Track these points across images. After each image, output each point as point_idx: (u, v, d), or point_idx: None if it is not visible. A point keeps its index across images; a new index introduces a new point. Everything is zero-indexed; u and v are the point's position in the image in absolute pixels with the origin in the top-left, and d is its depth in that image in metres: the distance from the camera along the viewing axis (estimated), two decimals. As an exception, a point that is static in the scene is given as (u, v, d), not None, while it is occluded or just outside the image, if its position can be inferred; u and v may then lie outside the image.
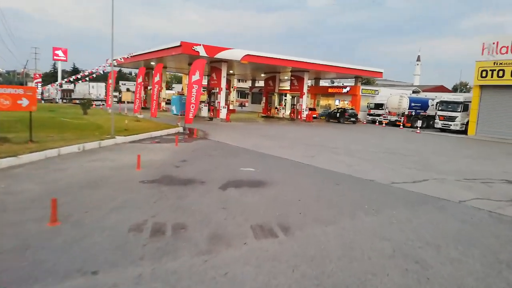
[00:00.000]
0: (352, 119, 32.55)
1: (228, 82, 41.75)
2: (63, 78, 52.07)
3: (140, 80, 25.69)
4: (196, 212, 5.78)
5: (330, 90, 40.14)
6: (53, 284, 3.50)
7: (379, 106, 34.30)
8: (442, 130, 27.58)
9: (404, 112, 30.65)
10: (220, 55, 25.06)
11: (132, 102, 37.85)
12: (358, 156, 12.79)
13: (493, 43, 23.25)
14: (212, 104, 28.97)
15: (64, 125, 16.28)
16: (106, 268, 3.84)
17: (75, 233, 4.74)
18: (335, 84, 46.01)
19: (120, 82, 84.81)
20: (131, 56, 32.06)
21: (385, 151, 14.51)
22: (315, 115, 35.22)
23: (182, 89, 50.53)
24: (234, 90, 47.58)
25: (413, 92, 39.98)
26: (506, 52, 22.62)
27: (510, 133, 22.50)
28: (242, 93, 71.46)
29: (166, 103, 40.92)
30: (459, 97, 28.43)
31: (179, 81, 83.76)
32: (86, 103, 24.08)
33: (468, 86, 67.11)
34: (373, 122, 34.22)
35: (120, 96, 61.50)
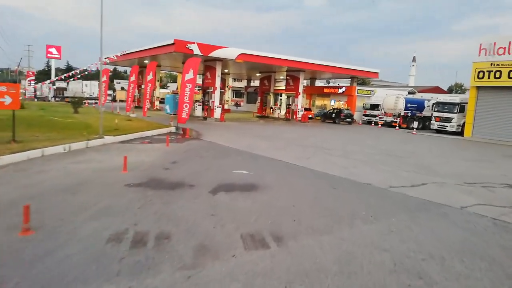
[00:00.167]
0: (347, 119, 32.27)
1: (223, 81, 41.34)
2: (56, 76, 51.38)
3: (133, 78, 25.19)
4: (182, 219, 5.39)
5: (325, 90, 39.86)
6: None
7: (374, 106, 34.06)
8: (438, 131, 27.36)
9: (400, 113, 30.42)
10: (215, 54, 24.63)
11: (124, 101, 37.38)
12: (354, 158, 12.45)
13: (490, 44, 23.01)
14: (206, 103, 28.52)
15: (52, 124, 15.79)
16: None
17: (47, 244, 4.33)
18: (331, 84, 45.72)
19: (115, 81, 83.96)
20: (124, 54, 31.51)
21: (381, 153, 14.18)
22: (310, 115, 34.93)
23: (177, 88, 50.03)
24: (229, 89, 47.18)
25: (409, 93, 39.83)
26: (504, 53, 22.40)
27: (507, 135, 22.29)
28: (237, 93, 70.94)
29: (160, 102, 40.40)
30: (455, 98, 28.24)
31: (175, 80, 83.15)
32: (76, 102, 23.53)
33: (463, 87, 67.21)
34: (369, 122, 33.97)
35: (114, 94, 60.85)
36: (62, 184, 7.03)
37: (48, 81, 31.44)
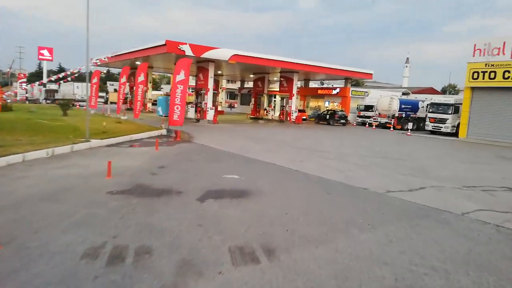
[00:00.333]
0: (342, 121, 32.02)
1: (216, 82, 40.96)
2: (48, 78, 50.62)
3: (123, 79, 24.70)
4: (166, 231, 4.99)
5: (319, 92, 39.59)
6: None
7: (369, 108, 33.85)
8: (432, 132, 27.18)
9: (394, 114, 30.22)
10: (207, 55, 24.24)
11: (123, 103, 36.74)
12: (349, 160, 12.12)
13: (485, 44, 22.88)
14: (199, 105, 28.10)
15: (38, 127, 15.29)
16: (39, 314, 3.04)
17: (14, 262, 3.91)
18: (325, 85, 45.45)
19: (108, 83, 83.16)
20: (115, 55, 30.98)
21: (377, 155, 13.88)
22: (304, 117, 34.64)
23: (171, 90, 49.49)
24: (222, 91, 46.79)
25: (403, 94, 39.70)
26: (498, 54, 22.26)
27: (502, 136, 22.15)
28: (231, 94, 70.56)
29: (153, 104, 39.89)
30: (449, 99, 28.09)
31: (169, 81, 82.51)
32: (65, 104, 22.99)
33: (456, 88, 67.40)
34: (363, 124, 33.75)
35: (107, 96, 60.20)
36: (41, 191, 6.61)
37: (37, 83, 30.73)
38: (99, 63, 30.95)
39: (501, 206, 7.31)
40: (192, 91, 39.95)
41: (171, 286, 3.56)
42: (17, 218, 5.19)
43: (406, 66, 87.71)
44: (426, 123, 27.99)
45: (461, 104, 25.20)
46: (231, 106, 60.81)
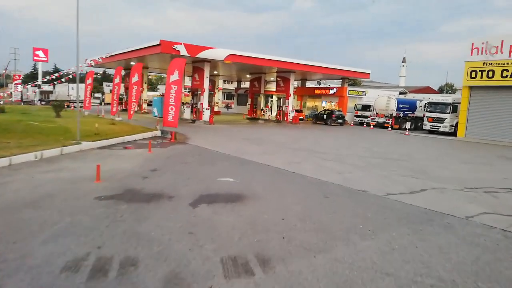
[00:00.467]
0: (339, 121, 31.75)
1: (213, 83, 40.61)
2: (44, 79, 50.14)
3: (117, 80, 24.33)
4: (155, 240, 4.68)
5: (316, 91, 39.34)
6: None
7: (366, 107, 33.61)
8: (430, 132, 26.97)
9: (392, 114, 29.99)
10: (202, 55, 23.90)
11: (119, 104, 36.31)
12: (347, 161, 11.84)
13: (483, 43, 22.68)
14: (194, 105, 27.76)
15: (29, 129, 14.91)
16: None
17: (-14, 277, 3.60)
18: (322, 85, 45.20)
19: (104, 84, 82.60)
20: (110, 56, 30.62)
21: (375, 156, 13.61)
22: (301, 117, 34.34)
23: (165, 91, 49.07)
24: (219, 91, 46.45)
25: (401, 93, 39.52)
26: (496, 53, 22.06)
27: (500, 135, 21.95)
28: (228, 95, 70.23)
29: (148, 105, 39.48)
30: (447, 98, 27.87)
31: (165, 82, 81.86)
32: (58, 105, 22.58)
33: (454, 87, 67.32)
34: (361, 123, 33.50)
35: (103, 98, 59.69)
36: (25, 197, 6.28)
37: (30, 84, 30.32)
38: (93, 64, 30.56)
39: (505, 208, 7.04)
40: (188, 92, 39.63)
41: (156, 304, 3.26)
42: (-4, 227, 4.88)
43: (403, 66, 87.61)
44: (424, 122, 27.77)
45: (459, 103, 24.99)
46: (228, 106, 60.47)
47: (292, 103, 32.22)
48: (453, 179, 9.75)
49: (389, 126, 29.63)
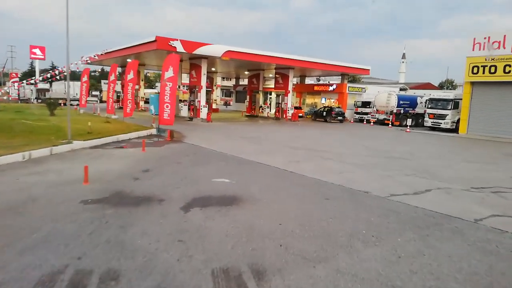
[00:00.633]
0: (339, 118, 31.37)
1: (211, 80, 40.20)
2: (41, 77, 49.63)
3: (112, 77, 23.87)
4: (140, 249, 4.31)
5: (316, 88, 38.91)
6: None
7: (366, 104, 33.22)
8: (432, 128, 26.60)
9: (393, 110, 29.61)
10: (199, 51, 23.47)
11: (115, 101, 35.87)
12: (348, 160, 11.46)
13: (485, 38, 22.29)
14: (192, 103, 27.34)
15: (20, 128, 14.51)
16: None
17: None
18: (321, 82, 44.75)
19: (102, 82, 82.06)
20: (106, 53, 30.15)
21: (377, 154, 13.23)
22: (301, 114, 33.94)
23: (160, 88, 48.62)
24: (217, 88, 45.99)
25: (401, 89, 39.09)
26: (498, 48, 21.67)
27: (502, 131, 21.60)
28: (227, 92, 69.76)
29: (145, 102, 39.07)
30: (449, 94, 27.47)
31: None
32: (52, 103, 22.15)
33: (454, 84, 66.87)
34: (361, 120, 33.12)
35: (101, 95, 59.22)
36: (7, 202, 5.90)
37: (25, 82, 29.85)
38: (89, 61, 30.12)
39: (515, 210, 6.67)
40: (186, 89, 39.21)
41: (136, 328, 2.89)
42: (-32, 236, 4.50)
43: (403, 62, 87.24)
44: (425, 119, 27.39)
45: (461, 99, 24.64)
46: (226, 103, 60.03)
47: (291, 100, 31.84)
48: (458, 179, 9.38)
49: (390, 123, 29.25)
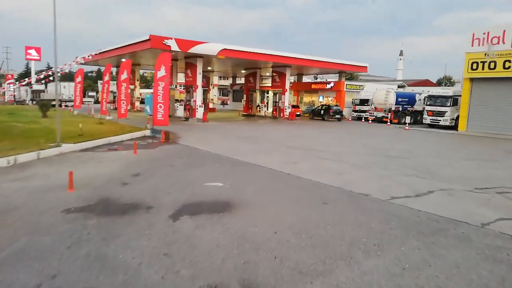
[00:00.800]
0: (337, 116, 31.02)
1: (207, 79, 39.76)
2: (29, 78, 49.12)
3: (106, 78, 23.49)
4: (122, 265, 3.95)
5: (313, 86, 38.54)
6: None
7: (364, 102, 32.88)
8: (431, 125, 26.28)
9: (391, 108, 29.26)
10: (194, 50, 23.08)
11: (111, 102, 35.48)
12: (346, 160, 11.12)
13: (484, 33, 21.96)
14: (187, 103, 26.95)
15: (10, 131, 14.12)
16: None
17: None
18: (319, 80, 44.38)
19: (99, 82, 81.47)
20: (100, 53, 29.71)
21: (376, 154, 12.90)
22: (298, 113, 33.59)
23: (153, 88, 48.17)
24: (213, 87, 45.57)
25: (399, 86, 38.82)
26: (498, 43, 21.34)
27: (502, 128, 21.29)
28: (224, 91, 69.33)
29: (141, 103, 38.67)
30: (448, 91, 27.16)
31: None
32: (44, 105, 21.71)
33: (452, 80, 66.68)
34: (359, 118, 32.79)
35: (97, 96, 58.76)
36: (-16, 211, 5.53)
37: (17, 83, 29.43)
38: (82, 62, 29.70)
39: (523, 213, 6.34)
40: (183, 89, 38.85)
41: None
42: None
43: (400, 59, 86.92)
44: (424, 116, 27.07)
45: (460, 96, 24.31)
46: (224, 103, 59.63)
47: (288, 99, 31.48)
48: (460, 178, 9.05)
49: (388, 121, 28.91)
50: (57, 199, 6.24)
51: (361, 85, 37.04)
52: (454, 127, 24.55)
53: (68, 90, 47.59)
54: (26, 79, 34.58)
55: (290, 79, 32.83)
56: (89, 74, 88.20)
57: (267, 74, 36.25)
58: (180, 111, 27.77)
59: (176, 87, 30.00)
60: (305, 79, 43.09)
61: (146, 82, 76.98)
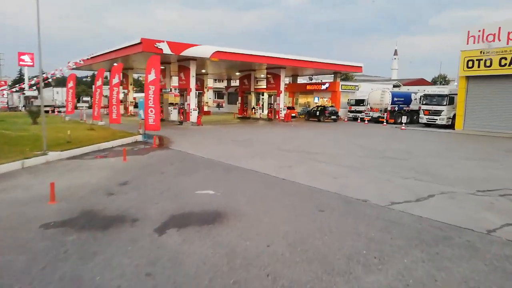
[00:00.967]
0: (332, 117, 30.77)
1: (201, 82, 39.44)
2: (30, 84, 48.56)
3: (99, 83, 23.06)
4: (99, 288, 3.59)
5: (308, 87, 38.30)
6: None
7: (360, 102, 32.67)
8: (427, 125, 26.08)
9: (387, 108, 29.05)
10: (187, 52, 22.73)
11: (105, 107, 34.99)
12: (343, 163, 10.80)
13: (479, 31, 21.77)
14: (181, 106, 26.59)
15: (-4, 139, 13.69)
16: None
17: None
18: (314, 81, 44.13)
19: (93, 87, 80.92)
20: (92, 57, 29.35)
21: (373, 155, 12.59)
22: (294, 114, 33.30)
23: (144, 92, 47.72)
24: (208, 90, 45.24)
25: (394, 86, 38.65)
26: (493, 40, 21.16)
27: (499, 126, 21.09)
28: (219, 94, 69.00)
29: (135, 107, 38.21)
30: (444, 89, 26.98)
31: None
32: (34, 111, 21.25)
33: (447, 79, 66.70)
34: (355, 119, 32.56)
35: (92, 101, 58.18)
36: (-44, 228, 5.15)
37: (8, 89, 28.96)
38: (73, 66, 29.30)
39: (530, 217, 6.03)
40: (178, 92, 38.51)
41: None
42: None
43: (395, 58, 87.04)
44: (420, 115, 26.89)
45: (456, 94, 24.12)
46: (219, 105, 59.27)
47: (283, 100, 31.20)
48: (461, 180, 8.75)
49: (384, 121, 28.68)
50: (36, 212, 5.86)
51: (356, 85, 36.83)
52: (451, 126, 24.36)
53: (61, 95, 46.97)
54: (17, 85, 34.11)
55: (285, 80, 32.55)
56: (84, 79, 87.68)
57: (262, 76, 35.98)
58: (174, 115, 27.41)
59: (171, 90, 29.64)
60: (300, 80, 42.85)
61: (141, 86, 76.52)
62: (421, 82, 50.07)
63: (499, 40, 20.82)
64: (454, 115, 24.24)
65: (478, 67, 21.90)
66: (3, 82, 66.38)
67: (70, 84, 28.73)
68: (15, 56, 55.51)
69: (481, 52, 21.65)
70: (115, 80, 19.66)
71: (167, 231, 5.13)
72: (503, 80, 21.16)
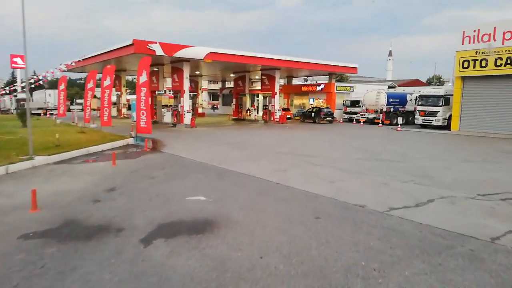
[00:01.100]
0: (328, 118, 30.55)
1: (195, 83, 39.14)
2: (22, 87, 47.96)
3: (90, 85, 22.68)
4: (75, 309, 3.29)
5: (303, 89, 38.06)
6: None
7: (355, 103, 32.49)
8: (423, 126, 25.93)
9: (383, 109, 28.88)
10: (180, 54, 22.41)
11: (97, 109, 34.55)
12: (339, 166, 10.54)
13: (474, 31, 21.65)
14: (175, 108, 26.25)
15: (-17, 143, 13.30)
16: None
17: None
18: (309, 82, 43.92)
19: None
20: (83, 59, 28.88)
21: (370, 158, 12.35)
22: (289, 116, 33.06)
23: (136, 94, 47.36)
24: (202, 92, 44.91)
25: (389, 87, 38.54)
26: (489, 40, 21.04)
27: (496, 127, 20.96)
28: (214, 95, 68.67)
29: (128, 109, 37.81)
30: (439, 90, 26.85)
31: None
32: (24, 114, 20.78)
33: (442, 79, 66.87)
34: (350, 120, 32.37)
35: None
36: None
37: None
38: (65, 69, 28.83)
39: (534, 223, 5.79)
40: (173, 94, 38.16)
41: None
42: None
43: (389, 59, 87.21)
44: (415, 116, 26.73)
45: (452, 95, 23.98)
46: (214, 107, 58.95)
47: (278, 102, 30.94)
48: (460, 183, 8.52)
49: (380, 122, 28.51)
50: (16, 222, 5.53)
51: (352, 86, 36.67)
52: (447, 127, 24.22)
53: (53, 98, 46.55)
54: (7, 87, 33.57)
55: (279, 81, 32.31)
56: (78, 82, 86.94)
57: (257, 77, 35.71)
58: (167, 117, 27.06)
59: (165, 92, 29.29)
60: (295, 81, 42.65)
61: (134, 88, 76.05)
62: (416, 83, 50.09)
63: (495, 40, 20.70)
64: (450, 116, 24.10)
65: (474, 67, 21.77)
66: (-4, 85, 65.54)
67: (62, 86, 28.36)
68: (5, 57, 54.86)
69: (476, 52, 21.52)
70: (107, 82, 19.30)
71: (154, 241, 4.83)
72: (498, 80, 21.03)
